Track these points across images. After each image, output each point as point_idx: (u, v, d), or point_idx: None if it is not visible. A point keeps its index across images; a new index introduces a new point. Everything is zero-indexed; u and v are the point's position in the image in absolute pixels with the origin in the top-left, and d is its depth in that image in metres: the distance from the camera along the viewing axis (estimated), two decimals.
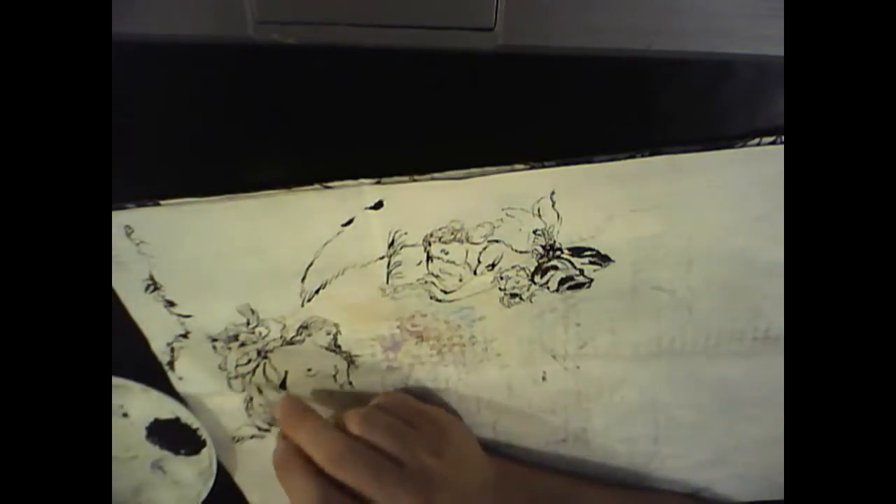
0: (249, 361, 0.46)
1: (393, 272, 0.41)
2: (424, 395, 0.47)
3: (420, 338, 0.44)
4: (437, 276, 0.41)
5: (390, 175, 0.37)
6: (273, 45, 0.31)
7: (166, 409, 0.48)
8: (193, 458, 0.51)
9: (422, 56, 0.32)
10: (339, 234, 0.39)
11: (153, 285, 0.41)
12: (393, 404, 0.44)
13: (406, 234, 0.39)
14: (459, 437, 0.44)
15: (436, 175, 0.36)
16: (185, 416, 0.48)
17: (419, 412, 0.44)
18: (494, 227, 0.38)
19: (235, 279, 0.41)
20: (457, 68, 0.33)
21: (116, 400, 0.48)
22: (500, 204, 0.37)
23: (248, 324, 0.44)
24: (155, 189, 0.38)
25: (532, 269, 0.40)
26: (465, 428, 0.46)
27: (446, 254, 0.40)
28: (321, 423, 0.41)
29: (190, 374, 0.46)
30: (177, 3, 0.30)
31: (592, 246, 0.39)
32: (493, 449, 0.48)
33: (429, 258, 0.40)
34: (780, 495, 0.49)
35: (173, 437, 0.50)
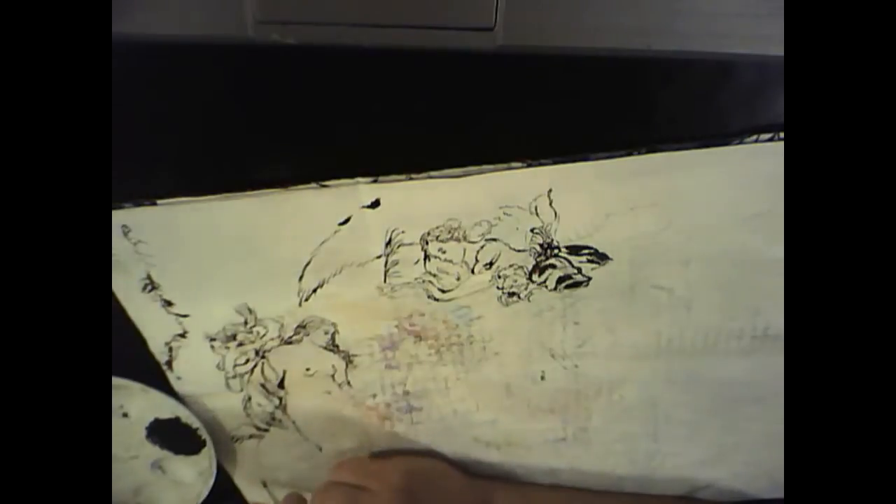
0: (248, 361, 0.46)
1: (390, 271, 0.41)
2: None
3: (418, 337, 0.44)
4: (434, 275, 0.41)
5: (387, 174, 0.36)
6: (273, 45, 0.31)
7: (166, 409, 0.48)
8: (193, 458, 0.51)
9: (422, 56, 0.32)
10: (336, 232, 0.39)
11: (151, 285, 0.41)
12: (348, 470, 0.47)
13: (403, 232, 0.39)
14: (425, 478, 0.47)
15: (433, 173, 0.36)
16: (185, 416, 0.48)
17: (372, 473, 0.46)
18: (492, 226, 0.38)
19: (233, 278, 0.41)
20: (457, 68, 0.33)
21: (116, 400, 0.48)
22: (497, 202, 0.37)
23: (245, 323, 0.44)
24: (152, 188, 0.38)
25: (530, 267, 0.40)
26: (432, 465, 0.49)
27: (444, 252, 0.40)
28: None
29: (188, 374, 0.46)
30: (177, 3, 0.30)
31: (590, 244, 0.39)
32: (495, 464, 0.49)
33: (426, 257, 0.40)
34: (780, 493, 0.49)
35: (173, 437, 0.50)
